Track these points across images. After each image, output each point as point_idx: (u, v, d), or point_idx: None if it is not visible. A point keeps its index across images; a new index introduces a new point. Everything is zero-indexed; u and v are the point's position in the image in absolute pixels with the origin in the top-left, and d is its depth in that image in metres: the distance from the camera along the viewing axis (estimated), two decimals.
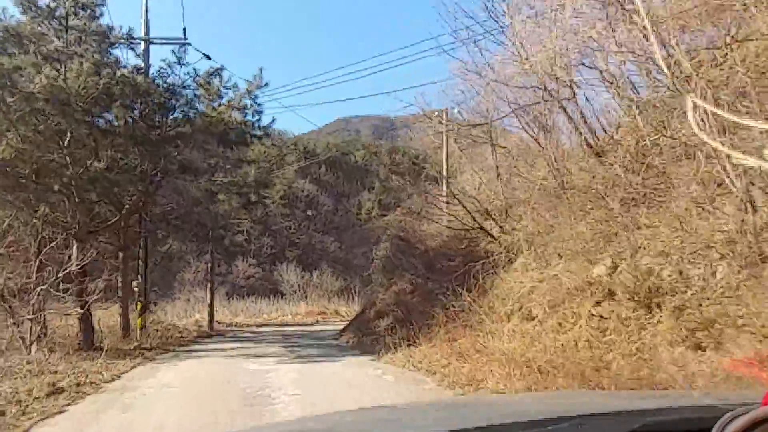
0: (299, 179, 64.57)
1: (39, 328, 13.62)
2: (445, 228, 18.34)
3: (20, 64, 11.78)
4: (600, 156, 12.57)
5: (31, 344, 13.11)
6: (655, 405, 1.68)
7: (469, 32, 15.06)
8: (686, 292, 7.59)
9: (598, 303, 9.61)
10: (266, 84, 14.56)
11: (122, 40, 15.21)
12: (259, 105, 14.85)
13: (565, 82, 13.89)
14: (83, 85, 12.25)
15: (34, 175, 12.77)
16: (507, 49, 15.42)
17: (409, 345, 12.68)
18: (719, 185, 8.22)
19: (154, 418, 6.96)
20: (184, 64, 14.75)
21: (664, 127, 9.97)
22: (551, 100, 14.36)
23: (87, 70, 12.27)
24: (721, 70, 8.77)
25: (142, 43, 17.08)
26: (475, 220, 15.70)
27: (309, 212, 65.42)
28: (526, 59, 14.40)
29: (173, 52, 15.14)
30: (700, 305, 7.17)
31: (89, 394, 8.75)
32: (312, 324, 29.14)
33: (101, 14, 13.99)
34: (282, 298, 44.61)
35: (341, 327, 23.14)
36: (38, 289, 13.43)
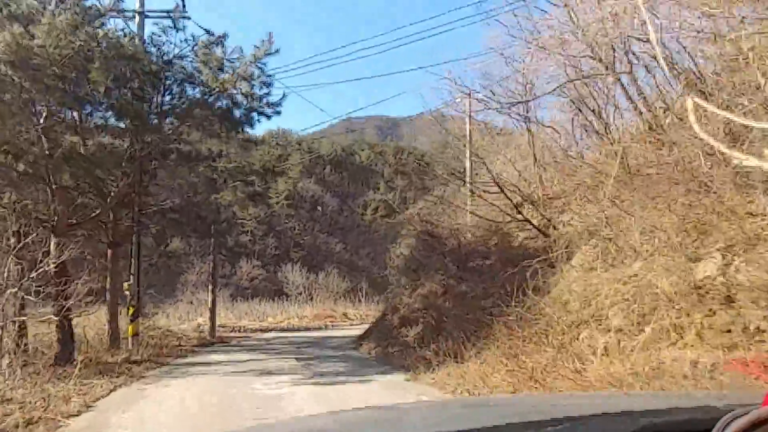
0: (304, 179, 62.11)
1: (14, 337, 11.16)
2: (473, 223, 15.80)
3: None
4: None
5: (1, 357, 10.64)
6: (655, 405, 1.66)
7: None
8: None
9: (711, 312, 7.07)
10: (277, 51, 11.98)
11: (113, 12, 12.65)
12: (268, 75, 12.27)
13: (622, 52, 11.47)
14: (55, 44, 9.70)
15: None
16: (553, 20, 12.96)
17: (451, 360, 10.09)
18: None
19: None
20: (180, 29, 12.19)
21: None
22: (607, 74, 11.89)
23: (61, 26, 9.73)
24: None
25: (136, 16, 14.54)
26: (518, 212, 13.11)
27: (319, 208, 62.88)
28: (578, 27, 11.96)
29: (169, 16, 12.59)
30: None
31: None
32: (321, 328, 26.56)
33: None
34: (287, 299, 42.53)
35: (355, 333, 20.55)
36: (8, 292, 10.94)
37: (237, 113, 12.95)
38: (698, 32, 9.33)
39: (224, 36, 12.57)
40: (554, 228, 12.76)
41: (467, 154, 19.79)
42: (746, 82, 8.10)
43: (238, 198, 14.71)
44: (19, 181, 10.12)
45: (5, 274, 11.32)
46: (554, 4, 12.66)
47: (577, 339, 9.03)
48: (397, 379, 9.97)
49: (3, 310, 10.93)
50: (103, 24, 11.34)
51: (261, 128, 36.33)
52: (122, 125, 11.53)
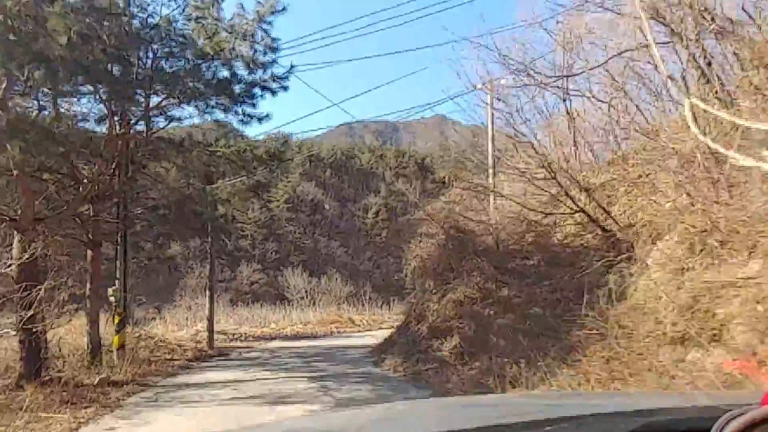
0: (304, 183, 59.69)
1: None
2: (498, 220, 13.41)
3: None
4: None
5: None
6: (655, 405, 1.59)
7: None
8: None
9: None
10: (284, 9, 9.57)
11: None
12: (273, 39, 9.86)
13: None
14: None
15: None
16: None
17: (507, 385, 7.68)
18: None
19: None
20: None
21: None
22: (673, 41, 9.61)
23: None
24: None
25: None
26: (573, 202, 10.72)
27: (326, 206, 60.57)
28: None
29: None
30: None
31: None
32: (328, 336, 24.04)
33: None
34: (289, 304, 40.25)
35: (368, 342, 18.07)
36: None
37: (237, 89, 10.54)
38: None
39: None
40: (613, 220, 10.40)
41: (490, 137, 17.32)
42: None
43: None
44: None
45: None
46: None
47: (683, 361, 6.66)
48: None
49: None
50: None
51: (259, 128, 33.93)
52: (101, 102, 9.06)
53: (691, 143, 8.39)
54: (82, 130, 9.98)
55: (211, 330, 16.07)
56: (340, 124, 77.06)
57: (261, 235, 56.75)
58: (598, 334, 7.98)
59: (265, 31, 9.67)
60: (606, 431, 1.28)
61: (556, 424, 1.24)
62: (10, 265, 9.31)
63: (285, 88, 10.65)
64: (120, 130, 9.85)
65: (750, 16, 8.59)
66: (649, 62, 10.78)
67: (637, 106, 11.69)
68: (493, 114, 17.03)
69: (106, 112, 10.61)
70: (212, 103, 10.37)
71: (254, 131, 69.68)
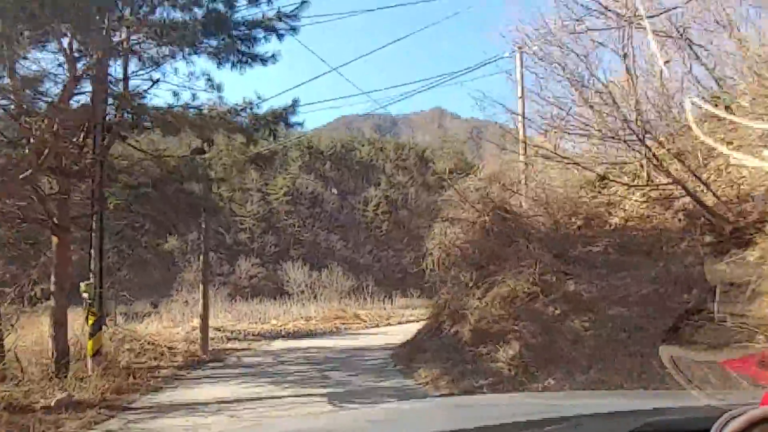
0: (303, 175, 57.03)
1: None
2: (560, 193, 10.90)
3: None
4: None
5: None
6: (655, 405, 1.48)
7: None
8: None
9: None
10: None
11: None
12: None
13: None
14: None
15: None
16: None
17: None
18: None
19: None
20: None
21: None
22: None
23: None
24: None
25: None
26: (662, 171, 8.18)
27: (330, 194, 58.03)
28: None
29: None
30: None
31: None
32: (333, 333, 21.50)
33: None
34: (289, 298, 37.80)
35: (383, 341, 15.55)
36: None
37: (235, 31, 7.93)
38: None
39: None
40: (713, 195, 7.88)
41: (520, 112, 14.70)
42: None
43: (236, 161, 9.70)
44: None
45: None
46: None
47: None
48: None
49: None
50: None
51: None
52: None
53: None
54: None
55: (205, 331, 13.41)
56: (347, 99, 74.20)
57: (260, 228, 54.21)
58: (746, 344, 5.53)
59: None
60: (606, 431, 1.25)
61: (556, 424, 1.21)
62: None
63: (294, 31, 8.07)
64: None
65: None
66: None
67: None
68: (522, 74, 14.46)
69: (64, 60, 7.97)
70: (201, 47, 7.79)
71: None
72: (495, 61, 15.10)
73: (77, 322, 10.77)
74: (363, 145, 58.98)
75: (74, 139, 9.93)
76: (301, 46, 9.85)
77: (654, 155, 8.03)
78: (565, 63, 11.31)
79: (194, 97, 9.76)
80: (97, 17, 6.83)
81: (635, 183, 9.51)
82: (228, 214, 55.69)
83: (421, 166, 59.50)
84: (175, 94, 9.22)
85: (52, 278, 9.94)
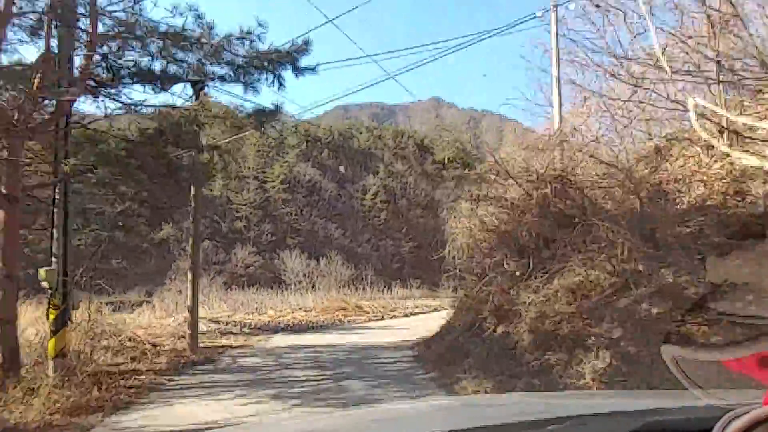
0: (301, 163, 54.68)
1: None
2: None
3: None
4: None
5: None
6: (655, 405, 1.44)
7: None
8: None
9: None
10: None
11: None
12: None
13: None
14: None
15: None
16: None
17: None
18: None
19: None
20: None
21: None
22: None
23: None
24: None
25: None
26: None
27: (341, 169, 55.88)
28: None
29: None
30: None
31: None
32: (336, 326, 19.31)
33: None
34: (286, 288, 35.74)
35: (394, 337, 13.44)
36: None
37: None
38: None
39: None
40: None
41: (554, 59, 12.46)
42: None
43: (236, 119, 7.45)
44: None
45: None
46: None
47: None
48: None
49: None
50: None
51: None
52: None
53: None
54: None
55: (194, 326, 11.12)
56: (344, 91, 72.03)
57: (256, 216, 51.91)
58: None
59: None
60: (606, 431, 1.22)
61: (556, 424, 1.17)
62: None
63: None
64: None
65: None
66: None
67: None
68: (557, 34, 12.25)
69: None
70: None
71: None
72: (530, 19, 13.00)
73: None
74: (361, 133, 56.63)
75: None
76: None
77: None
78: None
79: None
80: None
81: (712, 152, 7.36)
82: (224, 201, 53.38)
83: (419, 154, 57.17)
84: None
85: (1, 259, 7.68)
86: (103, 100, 8.88)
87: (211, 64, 6.86)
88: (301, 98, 28.30)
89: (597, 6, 10.46)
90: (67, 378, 7.68)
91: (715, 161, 8.40)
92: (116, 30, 7.30)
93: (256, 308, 25.27)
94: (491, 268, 8.72)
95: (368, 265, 45.41)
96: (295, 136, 55.98)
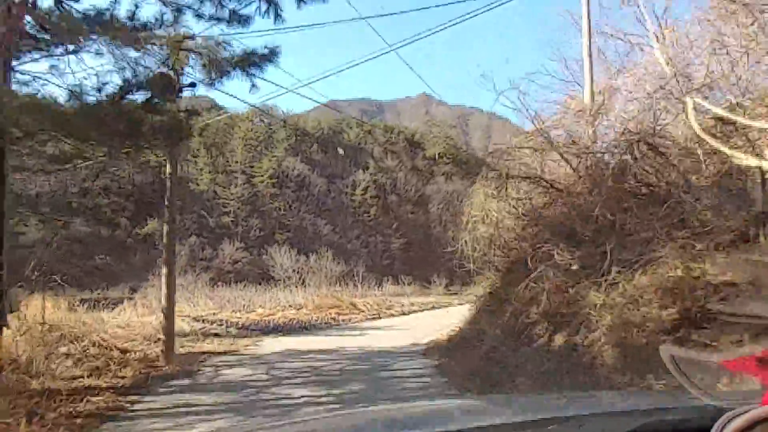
0: (289, 158, 52.50)
1: None
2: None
3: None
4: None
5: None
6: (655, 405, 1.42)
7: None
8: None
9: None
10: None
11: None
12: None
13: None
14: None
15: None
16: None
17: None
18: None
19: None
20: None
21: None
22: None
23: None
24: None
25: None
26: None
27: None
28: None
29: None
30: None
31: None
32: (331, 325, 17.36)
33: None
34: (275, 284, 33.73)
35: (405, 342, 11.56)
36: None
37: None
38: None
39: None
40: None
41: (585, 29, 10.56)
42: None
43: (217, 59, 5.46)
44: None
45: None
46: None
47: None
48: None
49: None
50: None
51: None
52: None
53: None
54: None
55: (169, 331, 8.99)
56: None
57: (244, 211, 49.65)
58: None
59: None
60: (606, 431, 1.18)
61: (556, 424, 1.16)
62: None
63: None
64: None
65: None
66: None
67: None
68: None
69: None
70: None
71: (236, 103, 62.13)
72: None
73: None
74: (351, 128, 54.58)
75: None
76: None
77: None
78: None
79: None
80: None
81: None
82: (211, 196, 51.01)
83: (410, 150, 55.20)
84: None
85: None
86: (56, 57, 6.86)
87: None
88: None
89: None
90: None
91: None
92: None
93: (244, 306, 23.26)
94: (538, 261, 6.80)
95: (359, 261, 43.52)
96: (283, 130, 53.83)
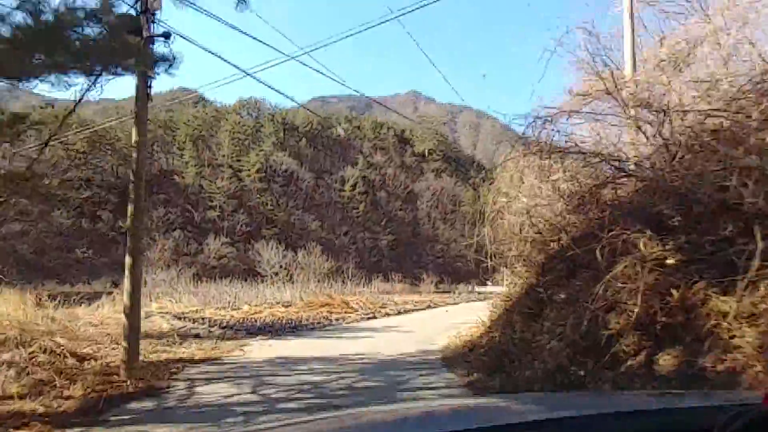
0: (277, 152, 50.42)
1: None
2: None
3: None
4: None
5: None
6: (655, 405, 1.43)
7: None
8: None
9: None
10: None
11: None
12: None
13: None
14: None
15: None
16: None
17: None
18: None
19: None
20: None
21: None
22: None
23: None
24: None
25: None
26: None
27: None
28: None
29: None
30: None
31: None
32: (324, 325, 15.52)
33: None
34: (262, 280, 31.87)
35: (411, 348, 9.77)
36: None
37: None
38: None
39: None
40: None
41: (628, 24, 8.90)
42: None
43: None
44: None
45: None
46: None
47: None
48: None
49: None
50: None
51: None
52: None
53: None
54: None
55: (133, 336, 6.98)
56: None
57: (230, 206, 47.50)
58: None
59: None
60: (606, 431, 1.15)
61: (556, 424, 1.14)
62: None
63: None
64: None
65: None
66: None
67: None
68: None
69: None
70: None
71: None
72: None
73: None
74: (340, 123, 52.66)
75: None
76: None
77: None
78: None
79: None
80: None
81: None
82: (197, 190, 48.65)
83: (399, 146, 53.39)
84: None
85: None
86: None
87: None
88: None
89: None
90: None
91: None
92: None
93: (229, 302, 21.35)
94: (617, 253, 5.03)
95: (348, 257, 41.67)
96: (271, 124, 51.73)
